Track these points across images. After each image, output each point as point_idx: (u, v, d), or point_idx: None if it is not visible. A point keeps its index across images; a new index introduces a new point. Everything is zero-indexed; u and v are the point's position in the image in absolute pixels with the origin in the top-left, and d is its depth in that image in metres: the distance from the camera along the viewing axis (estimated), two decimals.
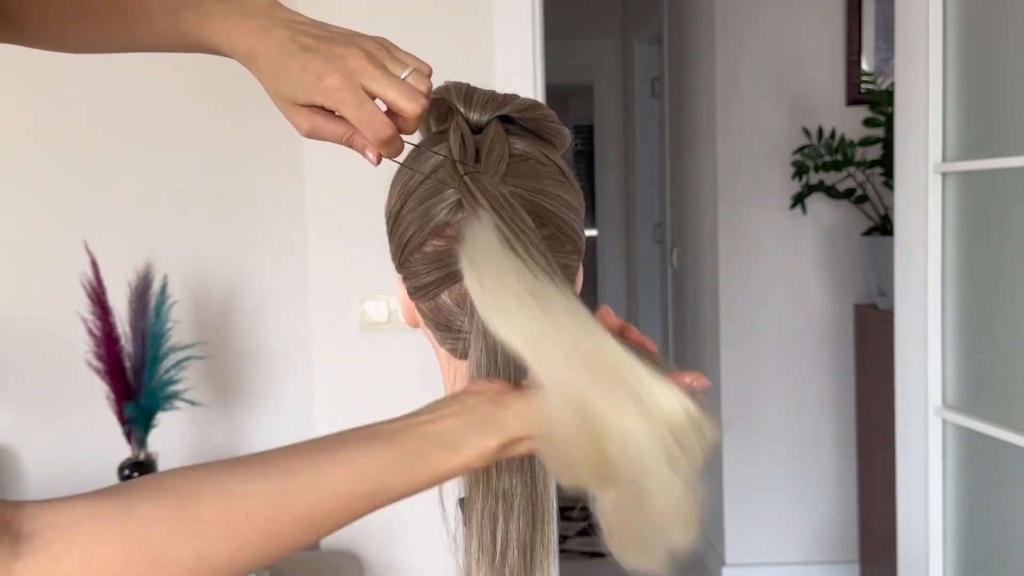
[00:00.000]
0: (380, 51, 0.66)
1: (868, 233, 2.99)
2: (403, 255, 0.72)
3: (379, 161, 0.67)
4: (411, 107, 0.64)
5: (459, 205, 0.68)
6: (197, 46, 0.71)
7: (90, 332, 2.21)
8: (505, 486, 0.64)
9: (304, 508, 0.53)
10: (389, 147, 0.66)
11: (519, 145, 0.71)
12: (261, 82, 0.68)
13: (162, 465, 2.34)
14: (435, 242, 0.69)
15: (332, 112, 0.66)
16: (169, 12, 0.71)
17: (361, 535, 2.12)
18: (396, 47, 0.67)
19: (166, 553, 0.49)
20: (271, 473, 0.53)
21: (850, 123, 3.13)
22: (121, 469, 2.26)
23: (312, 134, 0.67)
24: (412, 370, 2.01)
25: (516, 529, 0.64)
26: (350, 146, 0.67)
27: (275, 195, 2.43)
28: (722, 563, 3.37)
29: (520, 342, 0.55)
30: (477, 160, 0.69)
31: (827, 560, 3.32)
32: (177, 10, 0.70)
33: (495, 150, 0.69)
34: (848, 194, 2.97)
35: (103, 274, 2.22)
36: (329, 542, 2.13)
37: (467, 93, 0.72)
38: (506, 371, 0.65)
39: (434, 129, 0.74)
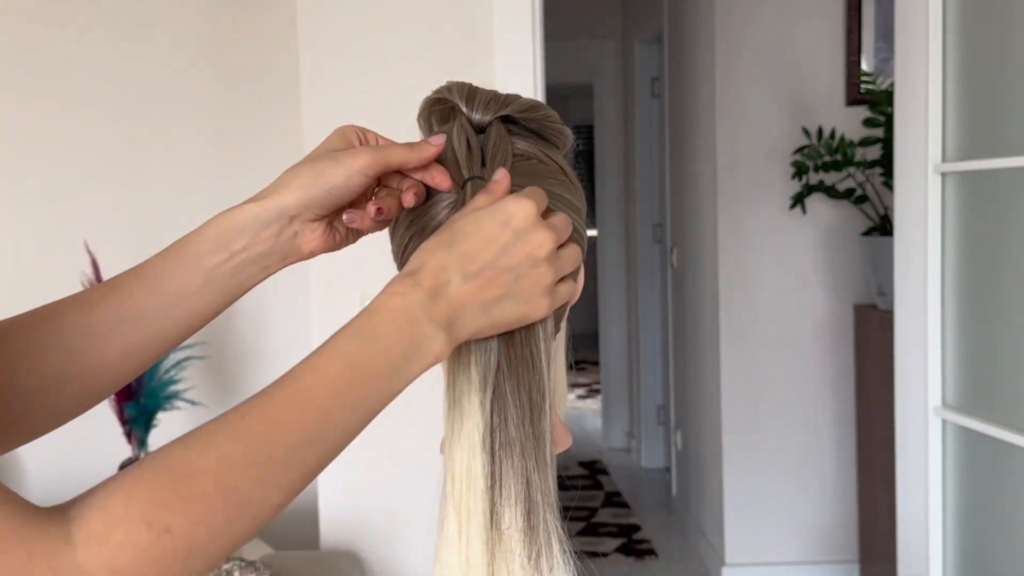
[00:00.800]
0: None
1: (868, 233, 2.99)
2: (404, 255, 0.72)
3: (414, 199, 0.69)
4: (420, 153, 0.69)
5: (460, 205, 0.68)
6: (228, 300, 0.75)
7: None
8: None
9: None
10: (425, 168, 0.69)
11: (521, 145, 0.71)
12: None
13: None
14: None
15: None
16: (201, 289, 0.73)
17: (361, 535, 2.12)
18: None
19: (193, 466, 0.53)
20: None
21: (850, 123, 3.13)
22: (121, 469, 2.26)
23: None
24: None
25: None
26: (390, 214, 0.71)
27: None
28: (722, 563, 3.37)
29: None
30: (481, 161, 0.70)
31: (827, 560, 3.32)
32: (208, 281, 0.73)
33: (499, 151, 0.69)
34: (848, 194, 2.97)
35: (103, 274, 2.22)
36: (329, 542, 2.13)
37: (469, 93, 0.72)
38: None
39: (436, 129, 0.74)
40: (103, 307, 0.70)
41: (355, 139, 0.72)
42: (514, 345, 0.66)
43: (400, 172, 0.70)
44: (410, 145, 0.69)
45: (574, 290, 0.68)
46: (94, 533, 0.50)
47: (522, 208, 0.63)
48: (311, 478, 0.59)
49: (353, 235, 0.76)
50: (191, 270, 0.71)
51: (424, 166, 0.69)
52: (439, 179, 0.69)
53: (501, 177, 0.66)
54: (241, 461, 0.54)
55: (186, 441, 0.55)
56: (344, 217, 0.71)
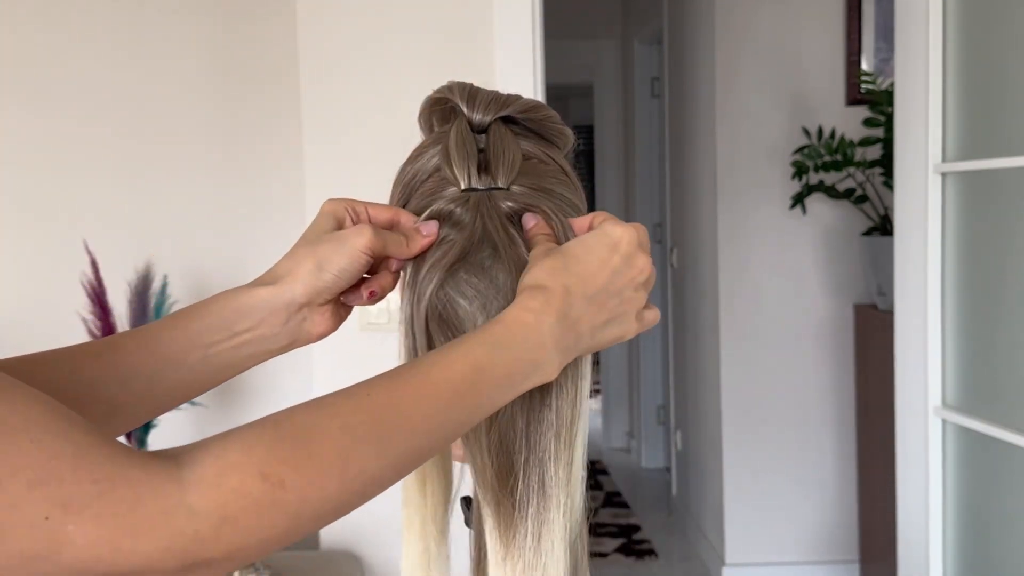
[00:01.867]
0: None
1: (868, 233, 2.99)
2: None
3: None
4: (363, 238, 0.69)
5: (461, 203, 0.68)
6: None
7: (90, 332, 2.21)
8: None
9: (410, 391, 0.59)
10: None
11: (522, 145, 0.71)
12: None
13: None
14: (449, 232, 0.70)
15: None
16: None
17: (361, 535, 2.12)
18: None
19: (315, 430, 0.54)
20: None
21: (850, 123, 3.13)
22: None
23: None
24: None
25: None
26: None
27: (276, 195, 2.43)
28: (722, 563, 3.37)
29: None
30: (483, 162, 0.70)
31: (827, 560, 3.32)
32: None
33: (505, 154, 0.69)
34: (848, 194, 2.97)
35: (103, 274, 2.22)
36: (329, 542, 2.13)
37: (470, 93, 0.72)
38: None
39: (437, 129, 0.74)
40: (99, 363, 0.69)
41: (346, 216, 0.72)
42: None
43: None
44: (408, 238, 0.69)
45: (656, 316, 0.70)
46: (207, 477, 0.50)
47: (626, 232, 0.66)
48: (417, 465, 0.60)
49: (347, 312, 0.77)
50: (190, 343, 0.70)
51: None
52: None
53: (534, 223, 0.69)
54: (362, 434, 0.55)
55: (310, 406, 0.56)
56: (342, 299, 0.73)
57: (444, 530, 0.72)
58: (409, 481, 0.71)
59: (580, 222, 0.69)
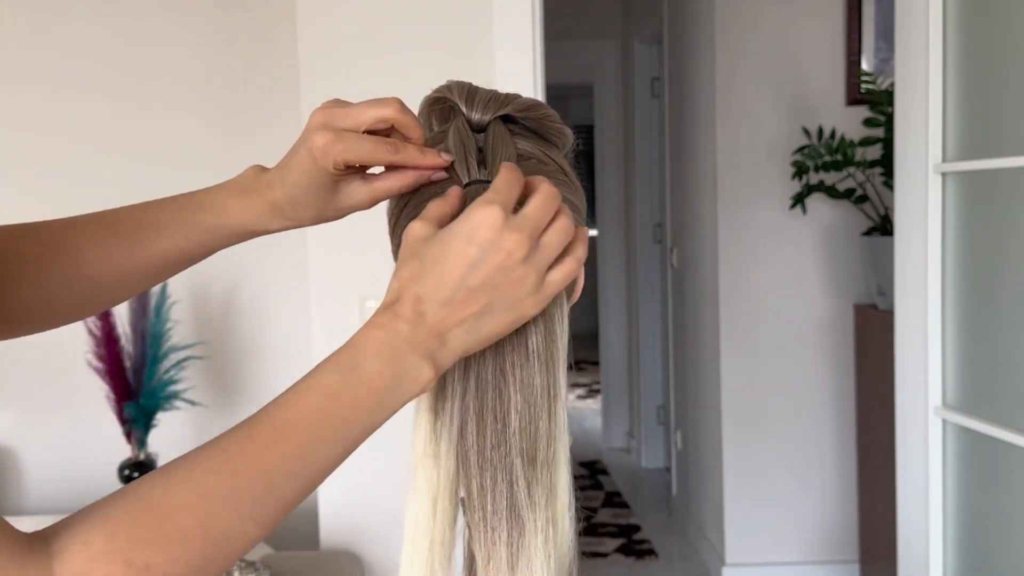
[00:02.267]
0: (331, 104, 0.72)
1: (868, 233, 2.99)
2: None
3: (413, 183, 0.70)
4: (389, 108, 0.69)
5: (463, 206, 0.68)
6: (217, 242, 0.79)
7: (90, 332, 2.21)
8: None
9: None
10: (412, 157, 0.69)
11: (521, 145, 0.71)
12: (293, 225, 0.78)
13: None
14: None
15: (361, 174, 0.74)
16: (177, 221, 0.78)
17: (361, 535, 2.12)
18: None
19: (172, 501, 0.54)
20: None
21: (850, 123, 3.13)
22: (121, 469, 2.26)
23: (360, 199, 0.75)
24: None
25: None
26: (375, 199, 0.74)
27: None
28: (722, 563, 3.37)
29: None
30: (482, 160, 0.69)
31: (827, 560, 3.32)
32: (185, 214, 0.77)
33: (501, 153, 0.69)
34: (848, 194, 2.97)
35: None
36: (329, 542, 2.13)
37: (469, 92, 0.72)
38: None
39: (436, 128, 0.74)
40: (127, 217, 0.76)
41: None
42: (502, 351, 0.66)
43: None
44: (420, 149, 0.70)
45: (569, 271, 0.64)
46: (75, 570, 0.51)
47: (485, 218, 0.60)
48: (290, 511, 0.59)
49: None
50: (212, 232, 0.77)
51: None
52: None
53: (454, 195, 0.65)
54: (221, 497, 0.55)
55: (167, 473, 0.55)
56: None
57: (449, 555, 0.68)
58: (419, 502, 0.68)
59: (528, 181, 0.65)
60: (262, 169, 0.78)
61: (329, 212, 0.75)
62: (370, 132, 0.70)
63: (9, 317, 0.76)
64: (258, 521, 0.56)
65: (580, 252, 0.65)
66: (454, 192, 0.65)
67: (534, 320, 0.65)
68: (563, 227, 0.63)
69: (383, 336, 0.60)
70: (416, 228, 0.63)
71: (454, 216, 0.63)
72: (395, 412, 0.61)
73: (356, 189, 0.74)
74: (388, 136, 0.71)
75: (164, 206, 0.79)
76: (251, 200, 0.76)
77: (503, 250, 0.61)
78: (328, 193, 0.74)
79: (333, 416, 0.58)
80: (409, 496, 0.67)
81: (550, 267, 0.63)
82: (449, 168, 0.69)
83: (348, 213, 0.76)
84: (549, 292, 0.63)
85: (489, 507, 0.64)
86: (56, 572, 0.50)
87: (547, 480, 0.64)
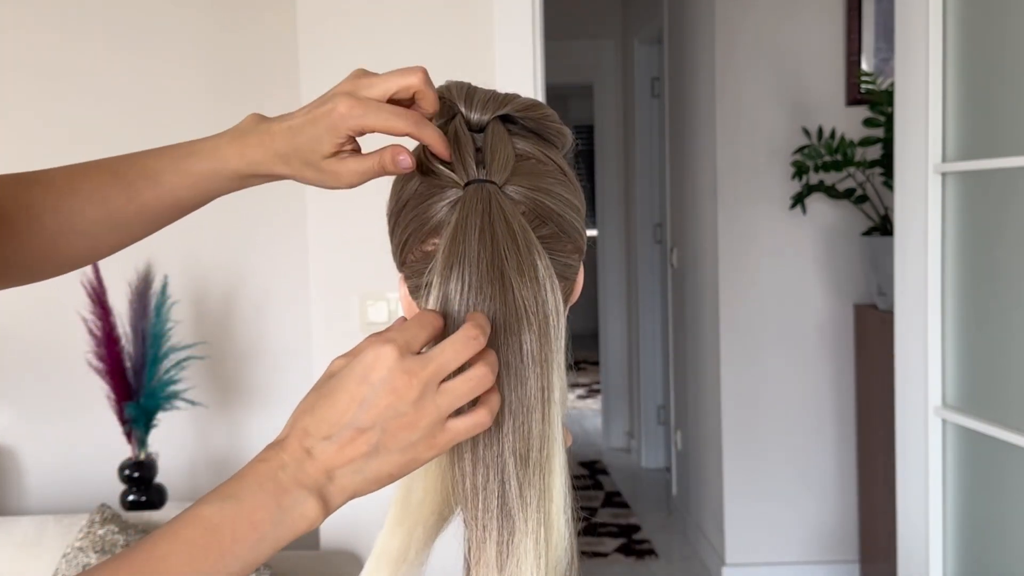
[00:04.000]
0: (359, 74, 0.73)
1: (868, 233, 2.99)
2: (403, 254, 0.72)
3: (414, 163, 0.70)
4: (414, 77, 0.70)
5: (462, 207, 0.68)
6: (213, 187, 0.79)
7: (90, 332, 2.21)
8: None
9: None
10: (424, 130, 0.69)
11: (520, 145, 0.71)
12: (292, 175, 0.76)
13: (162, 465, 2.33)
14: (435, 240, 0.69)
15: (356, 152, 0.74)
16: (173, 168, 0.79)
17: (361, 535, 2.12)
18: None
19: None
20: None
21: (850, 123, 3.13)
22: (121, 469, 2.26)
23: (352, 177, 0.73)
24: None
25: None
26: (385, 170, 0.72)
27: (275, 195, 2.43)
28: (722, 563, 3.37)
29: None
30: (480, 160, 0.69)
31: (827, 560, 3.32)
32: (180, 161, 0.78)
33: (500, 152, 0.69)
34: (848, 194, 2.97)
35: (103, 274, 2.22)
36: (329, 542, 2.13)
37: (468, 92, 0.72)
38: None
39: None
40: (125, 165, 0.77)
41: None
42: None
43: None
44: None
45: (477, 422, 0.61)
46: None
47: (379, 357, 0.59)
48: None
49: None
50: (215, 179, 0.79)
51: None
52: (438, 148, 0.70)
53: (397, 323, 0.64)
54: None
55: None
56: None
57: (427, 539, 0.69)
58: (407, 488, 0.69)
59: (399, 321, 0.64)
60: (262, 117, 0.78)
61: (327, 178, 0.75)
62: (392, 101, 0.71)
63: (23, 263, 0.77)
64: None
65: (494, 404, 0.62)
66: (433, 319, 0.63)
67: (528, 321, 0.64)
68: (477, 375, 0.61)
69: (267, 469, 0.59)
70: (333, 362, 0.62)
71: (426, 342, 0.62)
72: (279, 548, 0.59)
73: (351, 162, 0.74)
74: (409, 107, 0.72)
75: (161, 154, 0.80)
76: (248, 142, 0.77)
77: (393, 391, 0.59)
78: (331, 162, 0.74)
79: (210, 549, 0.56)
80: (399, 482, 0.67)
81: (458, 413, 0.61)
82: (448, 168, 0.69)
83: (338, 185, 0.75)
84: (446, 439, 0.61)
85: (480, 506, 0.64)
86: None
87: (540, 481, 0.64)
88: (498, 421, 0.64)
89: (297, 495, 0.59)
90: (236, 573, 0.57)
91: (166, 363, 2.27)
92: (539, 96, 2.01)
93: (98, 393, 2.26)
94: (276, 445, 0.60)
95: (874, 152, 2.96)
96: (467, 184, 0.68)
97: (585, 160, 7.50)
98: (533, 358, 0.65)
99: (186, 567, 0.55)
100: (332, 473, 0.60)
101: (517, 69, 2.00)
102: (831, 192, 2.98)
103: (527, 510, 0.63)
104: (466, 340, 0.60)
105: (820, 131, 3.08)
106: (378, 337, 0.60)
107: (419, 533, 0.68)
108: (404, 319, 0.64)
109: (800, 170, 3.03)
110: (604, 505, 4.39)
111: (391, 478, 0.61)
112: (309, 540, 2.18)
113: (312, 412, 0.60)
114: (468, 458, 0.64)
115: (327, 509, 0.60)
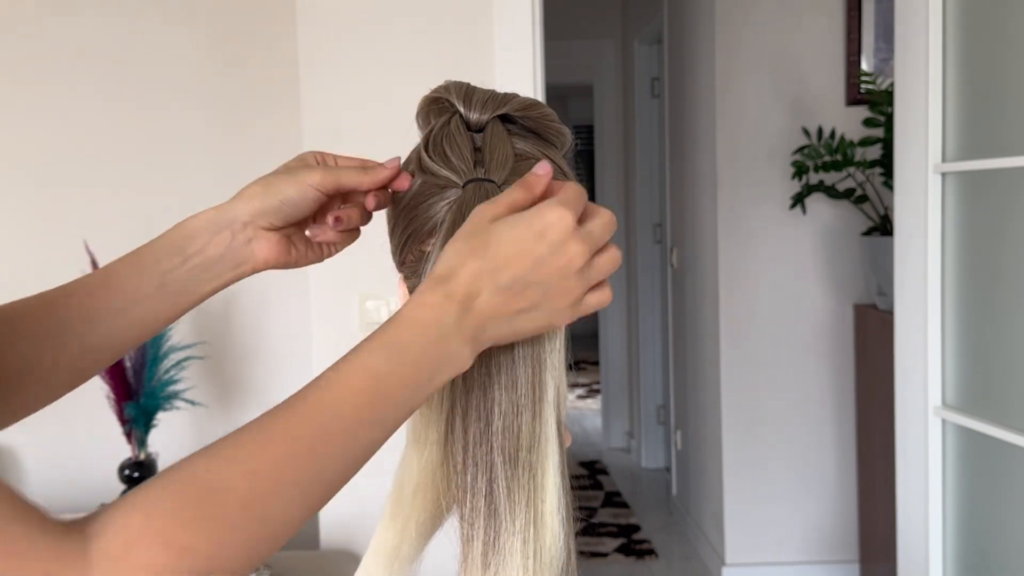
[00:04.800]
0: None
1: (868, 233, 2.99)
2: (403, 254, 0.72)
3: (376, 205, 0.73)
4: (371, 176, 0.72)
5: (462, 206, 0.68)
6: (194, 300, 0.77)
7: None
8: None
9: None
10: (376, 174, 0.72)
11: (519, 144, 0.71)
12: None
13: (162, 465, 2.33)
14: (434, 241, 0.69)
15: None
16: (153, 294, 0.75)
17: (360, 534, 2.12)
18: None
19: (215, 481, 0.52)
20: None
21: (850, 123, 3.13)
22: (121, 469, 2.26)
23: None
24: None
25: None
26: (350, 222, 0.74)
27: None
28: (722, 563, 3.37)
29: None
30: (479, 160, 0.69)
31: (827, 560, 3.32)
32: (161, 288, 0.75)
33: (498, 152, 0.69)
34: (848, 194, 2.97)
35: None
36: (329, 542, 2.13)
37: (467, 92, 0.72)
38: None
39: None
40: (65, 306, 0.72)
41: (312, 161, 0.75)
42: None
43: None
44: (364, 167, 0.71)
45: (604, 300, 0.65)
46: (112, 552, 0.49)
47: (560, 219, 0.61)
48: (334, 493, 0.58)
49: (315, 252, 0.78)
50: (148, 273, 0.73)
51: (381, 187, 0.71)
52: (400, 183, 0.71)
53: (543, 172, 0.64)
54: (263, 478, 0.53)
55: (209, 455, 0.54)
56: (307, 232, 0.75)
57: (423, 535, 0.69)
58: (399, 485, 0.69)
59: (550, 185, 0.65)
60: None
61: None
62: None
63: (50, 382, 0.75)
64: (303, 503, 0.55)
65: (607, 293, 0.66)
66: (539, 180, 0.64)
67: None
68: (614, 256, 0.64)
69: (432, 317, 0.59)
70: (486, 209, 0.62)
71: (527, 206, 0.63)
72: (432, 394, 0.60)
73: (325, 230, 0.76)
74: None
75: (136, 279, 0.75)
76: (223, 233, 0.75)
77: (567, 256, 0.61)
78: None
79: (377, 398, 0.57)
80: (393, 479, 0.68)
81: (590, 289, 0.64)
82: (447, 168, 0.69)
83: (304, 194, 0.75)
84: (583, 311, 0.64)
85: (468, 504, 0.64)
86: (92, 555, 0.48)
87: (529, 481, 0.64)
88: (488, 420, 0.64)
89: (458, 345, 0.59)
90: (396, 421, 0.59)
91: (166, 363, 2.27)
92: (539, 96, 2.01)
93: (98, 393, 2.26)
94: (441, 288, 0.60)
95: (874, 152, 2.96)
96: (466, 184, 0.68)
97: (585, 160, 7.50)
98: (524, 359, 0.65)
99: (353, 415, 0.56)
100: (489, 322, 0.60)
101: (517, 69, 2.00)
102: (831, 192, 2.98)
103: (515, 510, 0.63)
104: (612, 221, 0.64)
105: (820, 131, 3.08)
106: (555, 201, 0.62)
107: (411, 529, 0.68)
108: (568, 184, 0.64)
109: (800, 170, 3.03)
110: (604, 505, 4.39)
111: (527, 335, 0.63)
112: (309, 540, 2.18)
113: (483, 257, 0.60)
114: (459, 456, 0.65)
115: (475, 356, 0.61)
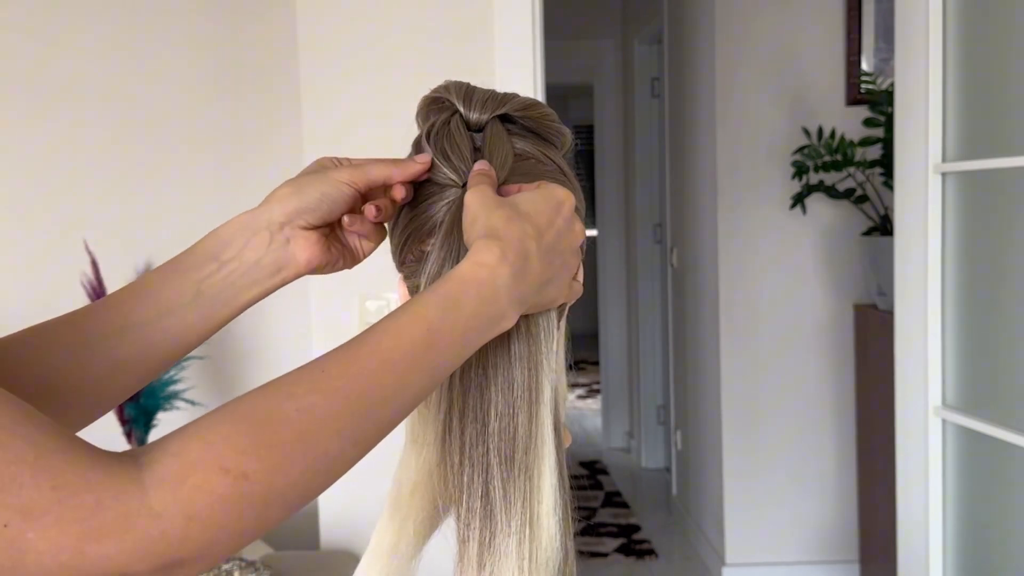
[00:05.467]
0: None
1: (868, 233, 2.99)
2: (403, 254, 0.72)
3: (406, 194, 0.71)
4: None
5: (459, 206, 0.68)
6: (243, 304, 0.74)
7: None
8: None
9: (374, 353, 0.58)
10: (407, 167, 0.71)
11: (519, 144, 0.71)
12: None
13: None
14: (435, 240, 0.69)
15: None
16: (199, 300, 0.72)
17: (360, 534, 2.12)
18: None
19: (273, 415, 0.53)
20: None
21: (850, 123, 3.13)
22: None
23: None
24: None
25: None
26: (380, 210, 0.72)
27: None
28: (722, 563, 3.37)
29: None
30: (478, 159, 0.69)
31: (827, 560, 3.32)
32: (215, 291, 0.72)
33: (498, 152, 0.69)
34: (848, 194, 2.97)
35: (103, 274, 2.22)
36: (329, 542, 2.13)
37: (467, 92, 0.72)
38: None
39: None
40: (93, 320, 0.69)
41: (332, 164, 0.73)
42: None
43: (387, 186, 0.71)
44: (394, 160, 0.70)
45: (580, 289, 0.69)
46: (168, 477, 0.49)
47: (568, 197, 0.66)
48: (383, 435, 0.59)
49: (350, 254, 0.75)
50: (181, 282, 0.70)
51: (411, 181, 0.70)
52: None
53: (485, 168, 0.67)
54: (320, 414, 0.54)
55: (266, 390, 0.55)
56: (344, 219, 0.72)
57: (420, 533, 0.69)
58: (398, 483, 0.70)
59: (512, 188, 0.68)
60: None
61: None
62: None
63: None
64: (356, 441, 0.56)
65: (581, 278, 0.70)
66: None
67: (516, 324, 0.65)
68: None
69: (488, 276, 0.60)
70: (485, 190, 0.65)
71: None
72: (476, 349, 0.62)
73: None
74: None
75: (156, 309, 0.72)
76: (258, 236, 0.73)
77: (575, 231, 0.66)
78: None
79: (431, 349, 0.58)
80: (392, 478, 0.68)
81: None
82: (447, 167, 0.69)
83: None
84: (573, 293, 0.68)
85: (464, 505, 0.64)
86: (147, 482, 0.48)
87: (525, 482, 0.64)
88: (485, 421, 0.65)
89: (506, 307, 0.61)
90: (443, 374, 0.60)
91: None
92: (539, 96, 2.01)
93: None
94: (494, 244, 0.61)
95: (874, 152, 2.96)
96: (465, 184, 0.68)
97: (585, 160, 7.50)
98: (520, 360, 0.66)
99: (406, 362, 0.58)
100: (529, 290, 0.63)
101: (517, 69, 2.00)
102: (831, 192, 2.98)
103: (510, 510, 0.63)
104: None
105: (820, 131, 3.08)
106: (553, 183, 0.67)
107: (409, 528, 0.68)
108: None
109: (800, 170, 3.03)
110: (604, 505, 4.39)
111: (544, 306, 0.66)
112: (309, 540, 2.18)
113: (523, 220, 0.63)
114: (456, 457, 0.65)
115: (516, 319, 0.63)
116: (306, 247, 0.71)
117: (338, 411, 0.55)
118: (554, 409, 0.67)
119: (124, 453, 0.51)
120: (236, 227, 0.71)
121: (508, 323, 0.62)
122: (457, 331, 0.59)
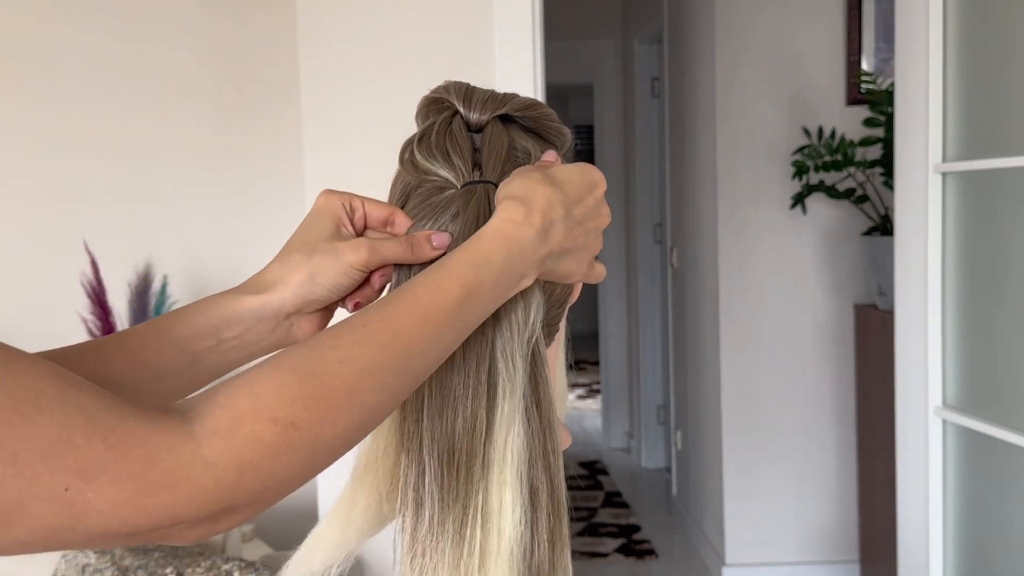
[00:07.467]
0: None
1: (868, 233, 2.99)
2: None
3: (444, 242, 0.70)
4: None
5: (460, 200, 0.68)
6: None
7: (90, 332, 2.21)
8: (534, 483, 0.65)
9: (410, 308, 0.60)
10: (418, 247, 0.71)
11: (519, 144, 0.71)
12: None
13: None
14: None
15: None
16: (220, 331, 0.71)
17: None
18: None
19: (318, 367, 0.55)
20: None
21: (850, 123, 3.13)
22: None
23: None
24: None
25: (544, 523, 0.65)
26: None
27: (276, 194, 2.43)
28: (722, 563, 3.37)
29: None
30: (477, 162, 0.69)
31: (827, 560, 3.32)
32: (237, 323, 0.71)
33: (495, 150, 0.69)
34: (848, 194, 2.97)
35: (103, 274, 2.22)
36: None
37: (467, 92, 0.72)
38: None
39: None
40: (80, 372, 0.66)
41: (343, 215, 0.71)
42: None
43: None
44: (409, 243, 0.68)
45: (603, 272, 0.71)
46: (219, 428, 0.51)
47: (602, 179, 0.69)
48: (414, 389, 0.61)
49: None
50: (177, 351, 0.69)
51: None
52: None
53: (552, 159, 0.70)
54: (364, 365, 0.56)
55: (310, 344, 0.57)
56: (349, 307, 0.72)
57: (370, 519, 0.70)
58: (356, 465, 0.70)
59: (551, 156, 0.71)
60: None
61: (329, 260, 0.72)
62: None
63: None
64: (395, 392, 0.58)
65: (604, 268, 0.73)
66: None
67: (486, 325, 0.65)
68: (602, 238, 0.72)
69: (519, 236, 0.62)
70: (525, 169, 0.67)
71: None
72: (495, 309, 0.64)
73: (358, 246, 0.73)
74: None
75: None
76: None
77: (604, 213, 0.69)
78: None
79: (463, 305, 0.60)
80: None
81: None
82: (446, 168, 0.69)
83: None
84: (594, 275, 0.71)
85: (399, 497, 0.66)
86: (198, 433, 0.50)
87: (466, 480, 0.64)
88: (418, 418, 0.66)
89: (529, 268, 0.64)
90: (469, 330, 0.62)
91: None
92: (539, 96, 2.01)
93: None
94: (522, 206, 0.63)
95: (874, 152, 2.96)
96: (464, 186, 0.68)
97: (585, 160, 7.50)
98: (473, 351, 0.65)
99: (443, 318, 0.60)
100: (548, 254, 0.65)
101: (517, 69, 2.00)
102: (831, 192, 2.98)
103: (445, 511, 0.64)
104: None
105: (820, 131, 3.08)
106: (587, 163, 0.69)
107: (360, 499, 0.70)
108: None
109: (800, 170, 3.03)
110: (604, 505, 4.39)
111: (558, 279, 0.68)
112: None
113: (554, 186, 0.65)
114: (406, 449, 0.66)
115: (533, 280, 0.65)
116: (308, 327, 0.72)
117: (380, 364, 0.57)
118: (535, 407, 0.66)
119: (173, 407, 0.52)
120: (246, 311, 0.69)
121: (528, 282, 0.64)
122: (487, 288, 0.61)
